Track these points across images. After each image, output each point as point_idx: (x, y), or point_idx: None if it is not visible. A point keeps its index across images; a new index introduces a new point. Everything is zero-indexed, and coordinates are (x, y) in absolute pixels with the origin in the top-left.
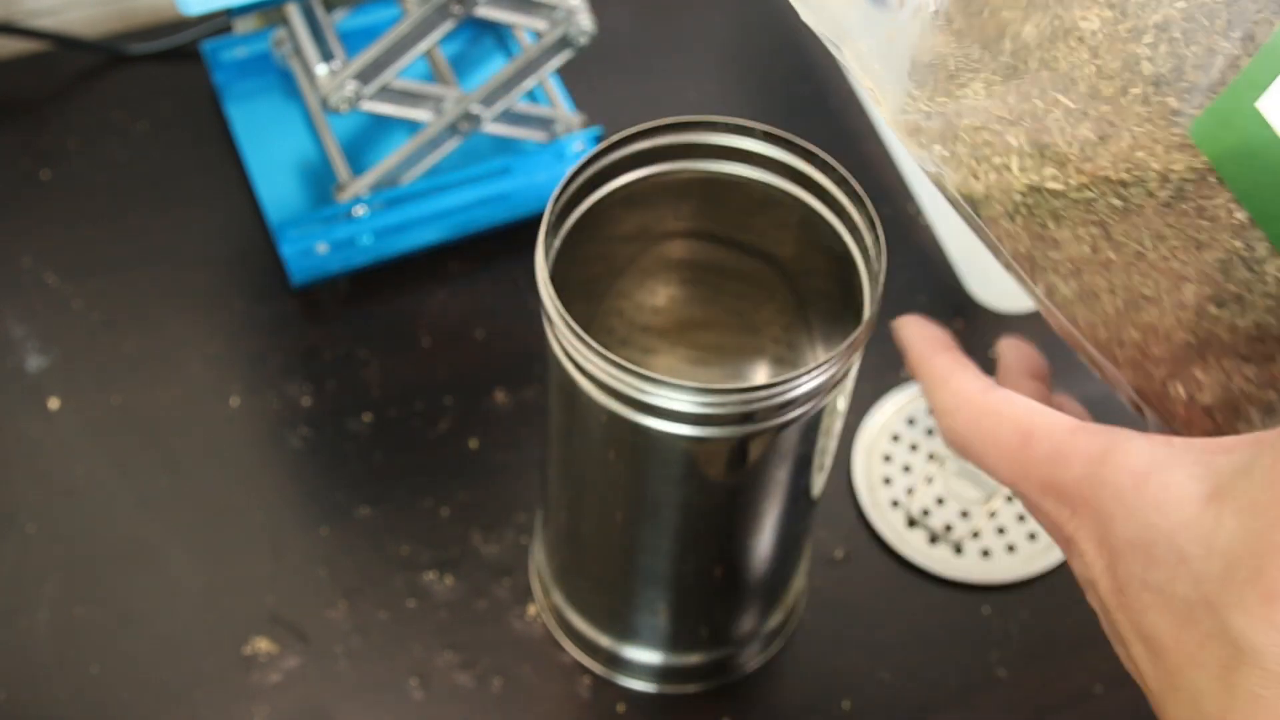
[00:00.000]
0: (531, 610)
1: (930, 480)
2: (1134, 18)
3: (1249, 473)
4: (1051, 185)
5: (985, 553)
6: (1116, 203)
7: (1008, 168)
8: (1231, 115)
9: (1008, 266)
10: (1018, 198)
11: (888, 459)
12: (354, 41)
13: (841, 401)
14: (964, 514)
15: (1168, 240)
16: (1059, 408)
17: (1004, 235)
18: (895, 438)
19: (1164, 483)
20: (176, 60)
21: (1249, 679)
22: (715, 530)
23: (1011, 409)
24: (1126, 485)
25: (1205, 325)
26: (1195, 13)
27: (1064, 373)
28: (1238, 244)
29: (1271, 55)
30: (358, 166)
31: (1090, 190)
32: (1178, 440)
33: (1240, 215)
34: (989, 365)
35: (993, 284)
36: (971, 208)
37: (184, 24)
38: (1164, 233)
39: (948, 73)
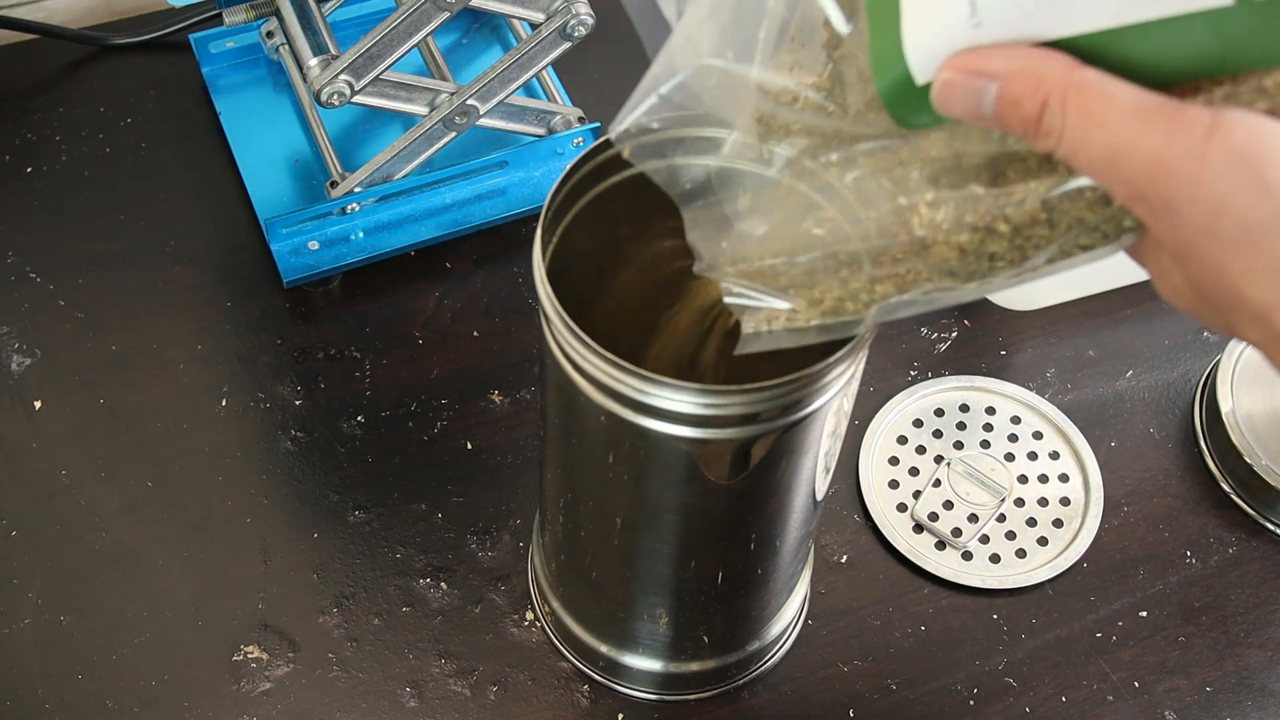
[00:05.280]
0: (528, 617)
1: (938, 484)
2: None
3: None
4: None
5: (994, 558)
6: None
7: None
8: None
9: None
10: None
11: (894, 462)
12: (346, 33)
13: (846, 403)
14: (972, 518)
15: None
16: None
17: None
18: (902, 440)
19: None
20: (164, 52)
21: None
22: (717, 535)
23: None
24: None
25: None
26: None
27: (1077, 369)
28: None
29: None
30: (350, 162)
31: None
32: None
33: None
34: (999, 363)
35: None
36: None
37: (171, 15)
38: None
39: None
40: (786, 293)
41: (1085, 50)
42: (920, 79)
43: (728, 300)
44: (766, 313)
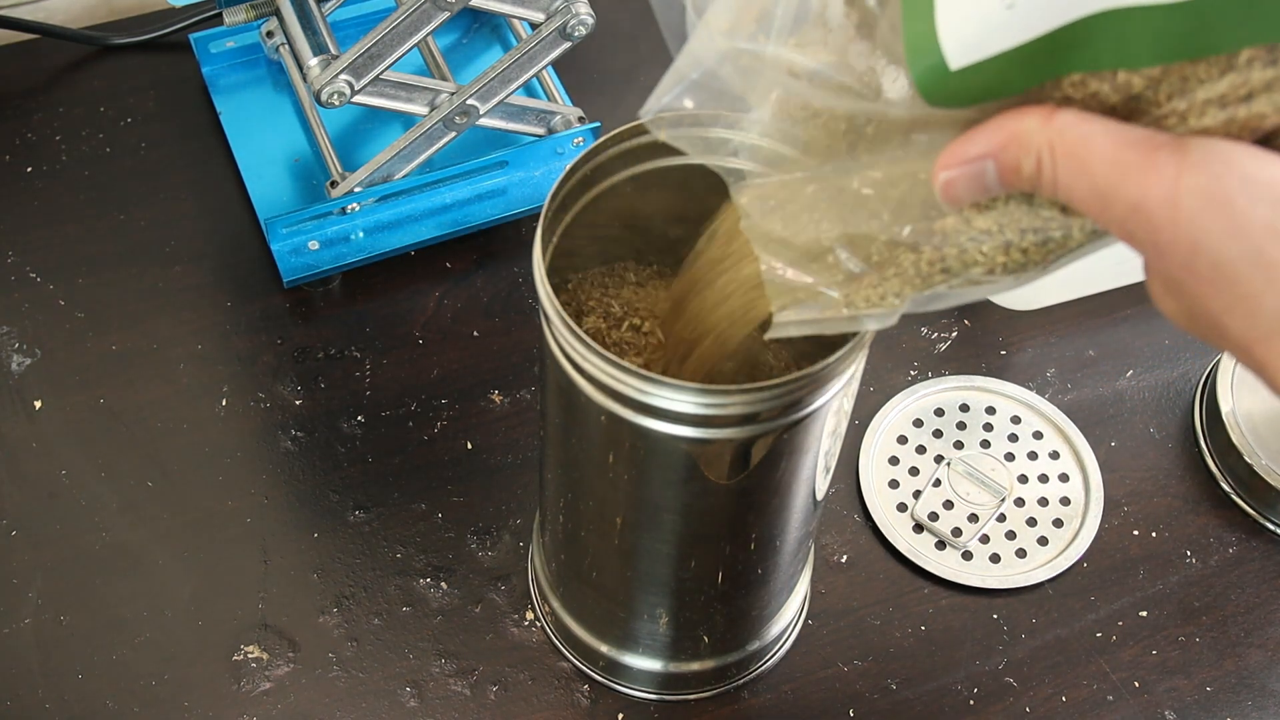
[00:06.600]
0: (528, 617)
1: (938, 484)
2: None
3: None
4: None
5: (994, 557)
6: None
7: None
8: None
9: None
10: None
11: (894, 461)
12: (346, 33)
13: (846, 402)
14: (972, 518)
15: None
16: None
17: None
18: (902, 440)
19: None
20: (164, 52)
21: None
22: (717, 535)
23: None
24: None
25: None
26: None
27: (1077, 369)
28: None
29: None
30: (350, 161)
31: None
32: None
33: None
34: (999, 363)
35: None
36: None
37: (171, 14)
38: None
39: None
40: (825, 261)
41: (1114, 25)
42: (954, 64)
43: (765, 269)
44: (801, 289)
